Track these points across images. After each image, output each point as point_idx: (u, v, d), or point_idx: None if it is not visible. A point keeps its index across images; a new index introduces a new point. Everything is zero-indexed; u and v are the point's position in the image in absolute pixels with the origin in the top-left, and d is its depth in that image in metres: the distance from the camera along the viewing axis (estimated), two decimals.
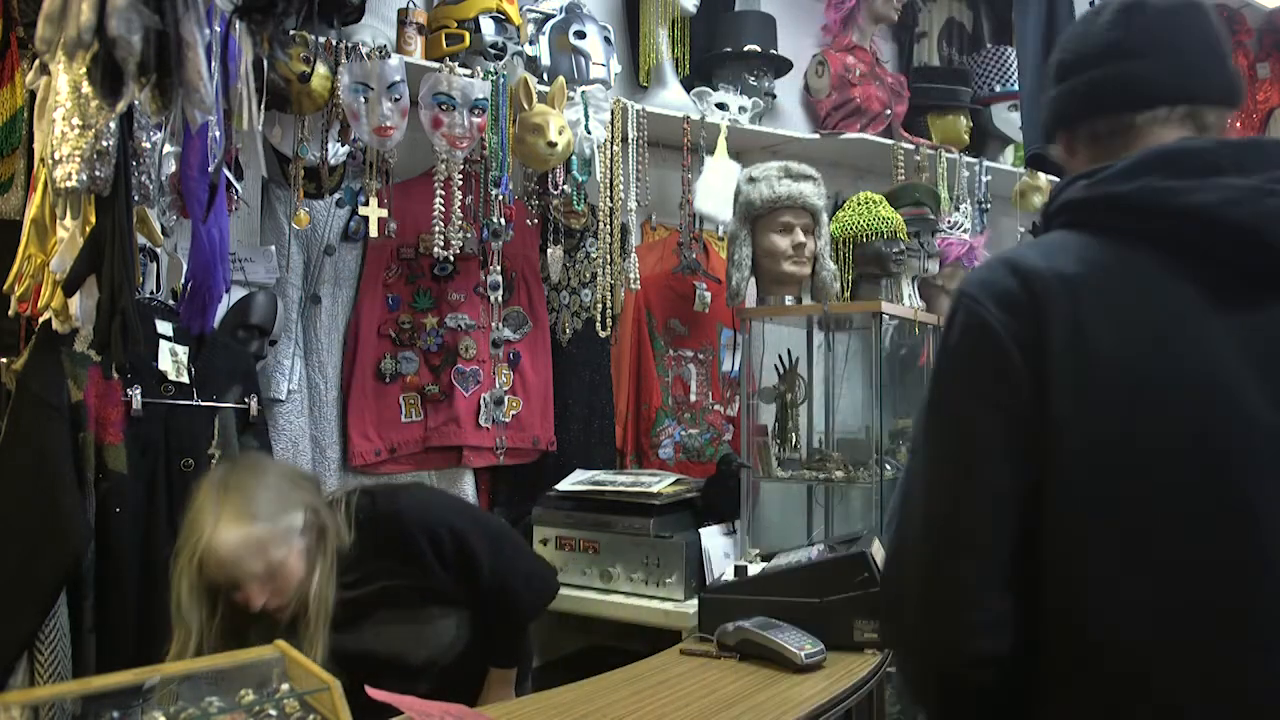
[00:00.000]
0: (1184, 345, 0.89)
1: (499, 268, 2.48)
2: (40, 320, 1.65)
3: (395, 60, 2.23)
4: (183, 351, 1.92)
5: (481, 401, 2.51)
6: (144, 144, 1.58)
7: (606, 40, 2.70)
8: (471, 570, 1.73)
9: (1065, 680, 0.89)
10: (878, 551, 1.95)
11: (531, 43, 2.59)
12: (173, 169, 1.72)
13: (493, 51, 2.41)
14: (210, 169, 1.68)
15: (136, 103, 1.38)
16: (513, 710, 1.58)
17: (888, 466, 2.46)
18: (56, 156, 1.36)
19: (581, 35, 2.63)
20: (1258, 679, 0.85)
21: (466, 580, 1.73)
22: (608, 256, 2.65)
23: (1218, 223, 0.90)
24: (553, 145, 2.38)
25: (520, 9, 2.56)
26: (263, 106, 1.95)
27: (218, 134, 1.66)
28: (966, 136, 3.55)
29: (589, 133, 2.52)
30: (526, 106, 2.40)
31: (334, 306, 2.41)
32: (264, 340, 2.22)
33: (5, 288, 1.68)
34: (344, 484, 2.25)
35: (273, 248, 2.30)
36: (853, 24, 3.40)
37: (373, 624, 1.68)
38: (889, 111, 3.36)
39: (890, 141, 3.30)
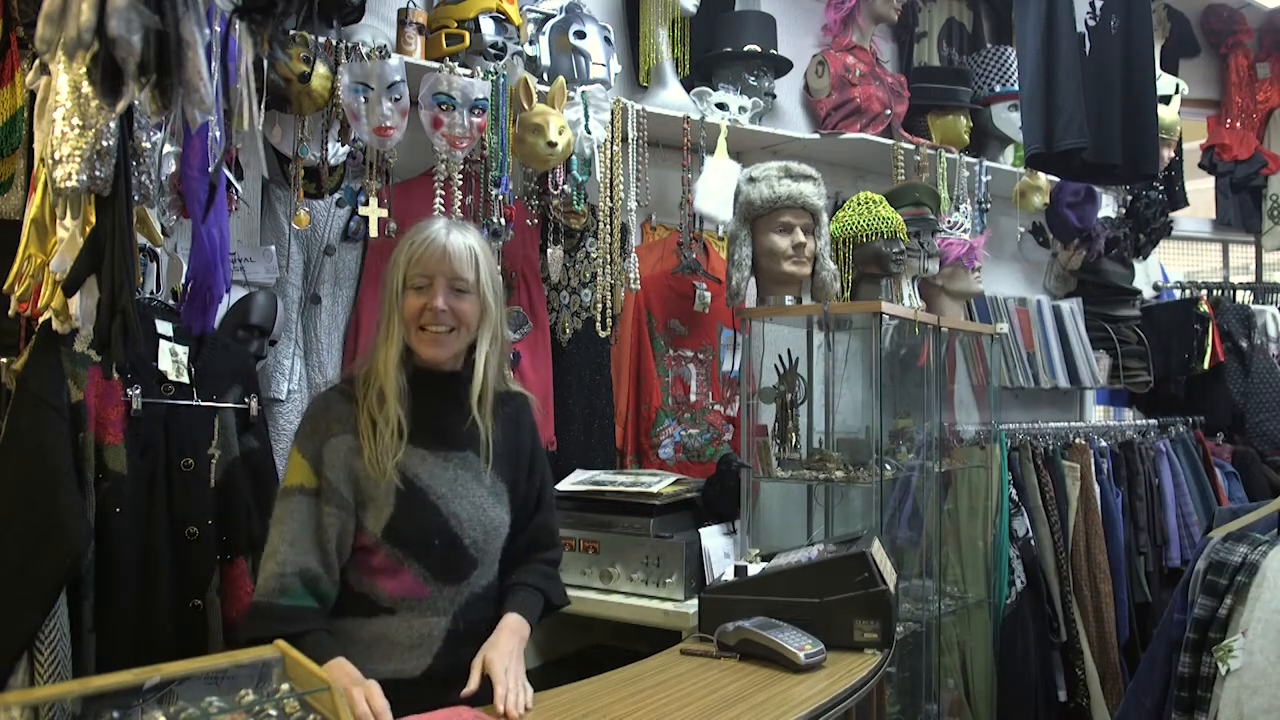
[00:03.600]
0: None
1: (499, 268, 2.47)
2: (40, 320, 1.65)
3: (395, 60, 2.23)
4: (183, 351, 1.92)
5: None
6: (144, 144, 1.58)
7: (606, 40, 2.70)
8: (541, 487, 1.78)
9: None
10: (878, 551, 1.95)
11: (531, 43, 2.59)
12: (173, 169, 1.72)
13: (493, 51, 2.41)
14: (210, 169, 1.68)
15: (136, 103, 1.38)
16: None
17: (888, 466, 2.46)
18: (56, 156, 1.36)
19: (581, 35, 2.63)
20: None
21: (533, 492, 1.76)
22: (608, 256, 2.65)
23: None
24: (553, 145, 2.38)
25: (520, 9, 2.56)
26: (263, 106, 1.96)
27: (218, 134, 1.66)
28: (966, 136, 3.56)
29: (589, 133, 2.53)
30: (526, 106, 2.41)
31: (334, 306, 2.41)
32: (264, 340, 2.21)
33: (5, 288, 1.68)
34: None
35: (273, 248, 2.30)
36: (853, 24, 3.40)
37: (463, 475, 1.64)
38: (889, 111, 3.36)
39: (890, 141, 3.31)
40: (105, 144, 1.38)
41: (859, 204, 2.88)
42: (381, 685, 1.43)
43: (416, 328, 1.58)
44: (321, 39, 2.14)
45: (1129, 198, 4.22)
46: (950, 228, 3.29)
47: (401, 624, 1.57)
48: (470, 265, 1.60)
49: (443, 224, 1.62)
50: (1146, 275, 4.43)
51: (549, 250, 2.64)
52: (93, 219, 1.42)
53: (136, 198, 1.54)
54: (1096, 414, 4.27)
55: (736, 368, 2.92)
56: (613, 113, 2.62)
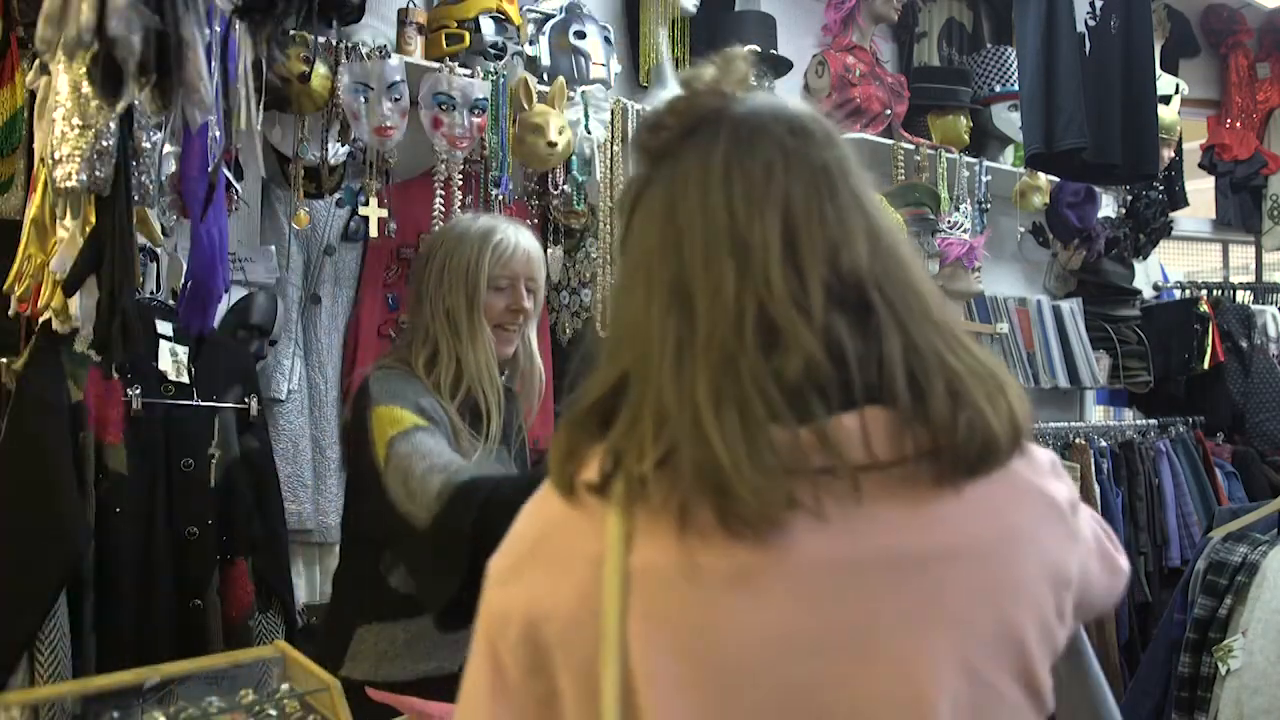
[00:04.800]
0: None
1: None
2: (40, 320, 1.65)
3: (395, 60, 2.23)
4: (183, 351, 1.92)
5: None
6: (144, 144, 1.58)
7: (606, 40, 2.70)
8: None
9: None
10: None
11: (531, 43, 2.59)
12: (173, 169, 1.72)
13: (493, 51, 2.41)
14: (210, 169, 1.68)
15: (136, 103, 1.38)
16: None
17: None
18: (56, 156, 1.36)
19: (581, 35, 2.63)
20: None
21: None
22: (608, 256, 2.65)
23: None
24: (553, 145, 2.38)
25: (520, 9, 2.56)
26: (262, 106, 1.95)
27: (217, 134, 1.66)
28: (966, 136, 3.55)
29: (589, 133, 2.52)
30: (526, 106, 2.40)
31: (334, 306, 2.41)
32: (264, 340, 2.21)
33: (5, 288, 1.67)
34: None
35: (273, 248, 2.30)
36: (853, 24, 3.40)
37: (499, 468, 1.65)
38: (889, 111, 3.36)
39: (890, 141, 3.30)
40: (105, 144, 1.38)
41: None
42: (421, 683, 1.44)
43: (494, 326, 1.64)
44: (321, 39, 2.13)
45: (1129, 198, 4.22)
46: (950, 228, 3.28)
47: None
48: (541, 266, 1.70)
49: (508, 224, 1.69)
50: (1146, 275, 4.42)
51: (549, 250, 2.64)
52: (93, 219, 1.42)
53: (136, 198, 1.54)
54: (1096, 414, 4.27)
55: None
56: (613, 113, 2.62)
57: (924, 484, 0.65)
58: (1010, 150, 3.82)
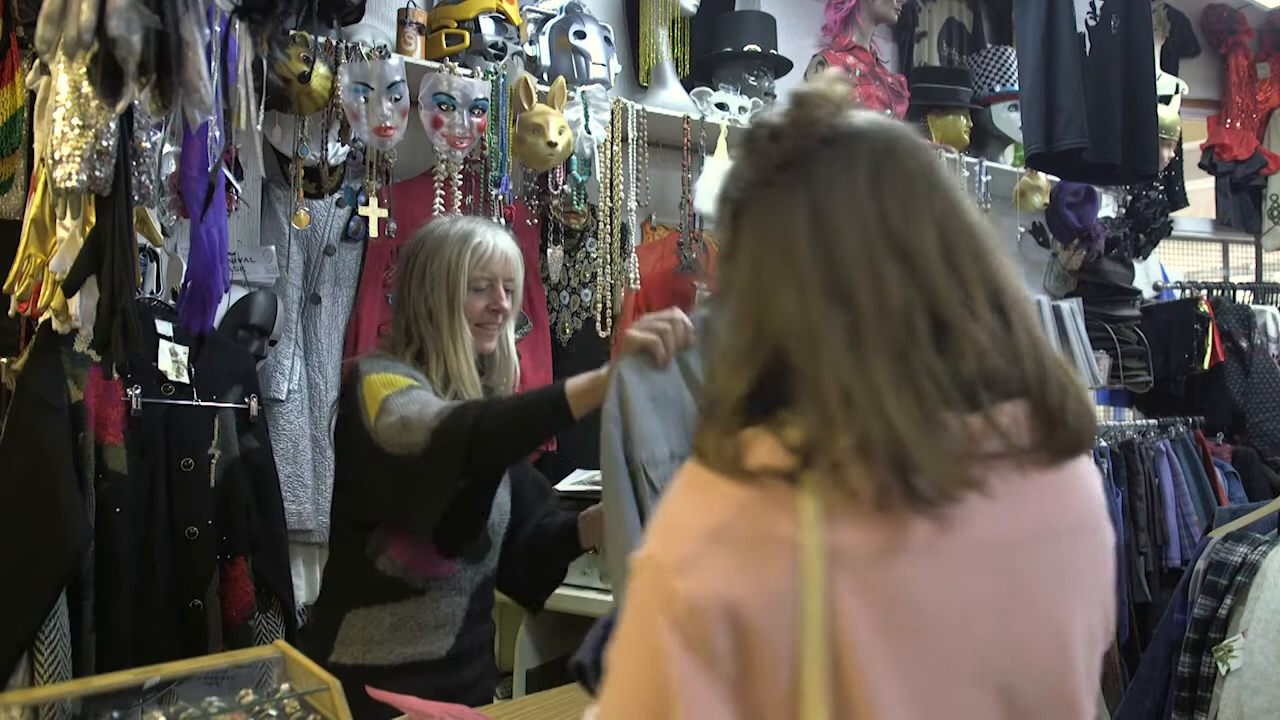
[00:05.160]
0: None
1: None
2: (40, 320, 1.65)
3: (395, 60, 2.23)
4: (183, 351, 1.92)
5: None
6: (144, 144, 1.58)
7: (606, 40, 2.70)
8: (527, 470, 1.86)
9: None
10: None
11: (531, 43, 2.59)
12: (173, 169, 1.72)
13: (493, 51, 2.41)
14: (209, 168, 1.68)
15: (136, 103, 1.38)
16: (512, 710, 1.58)
17: None
18: (56, 156, 1.36)
19: (581, 35, 2.63)
20: None
21: (524, 477, 1.83)
22: (608, 256, 2.65)
23: None
24: (553, 145, 2.38)
25: (520, 9, 2.56)
26: (263, 106, 1.96)
27: (217, 134, 1.66)
28: (966, 136, 3.56)
29: (589, 133, 2.52)
30: (526, 106, 2.40)
31: (334, 306, 2.41)
32: (264, 340, 2.21)
33: (5, 288, 1.67)
34: None
35: (273, 248, 2.30)
36: (852, 24, 3.40)
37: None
38: (889, 111, 3.36)
39: None
40: (105, 144, 1.38)
41: None
42: (408, 667, 1.50)
43: (475, 325, 1.68)
44: (321, 39, 2.13)
45: (1129, 198, 4.22)
46: None
47: (430, 604, 1.60)
48: (519, 266, 1.73)
49: (486, 227, 1.73)
50: (1146, 275, 4.43)
51: (549, 250, 2.64)
52: (93, 219, 1.42)
53: (136, 198, 1.54)
54: (1096, 414, 4.26)
55: None
56: (613, 113, 2.62)
57: (1045, 466, 0.76)
58: (1010, 150, 3.82)
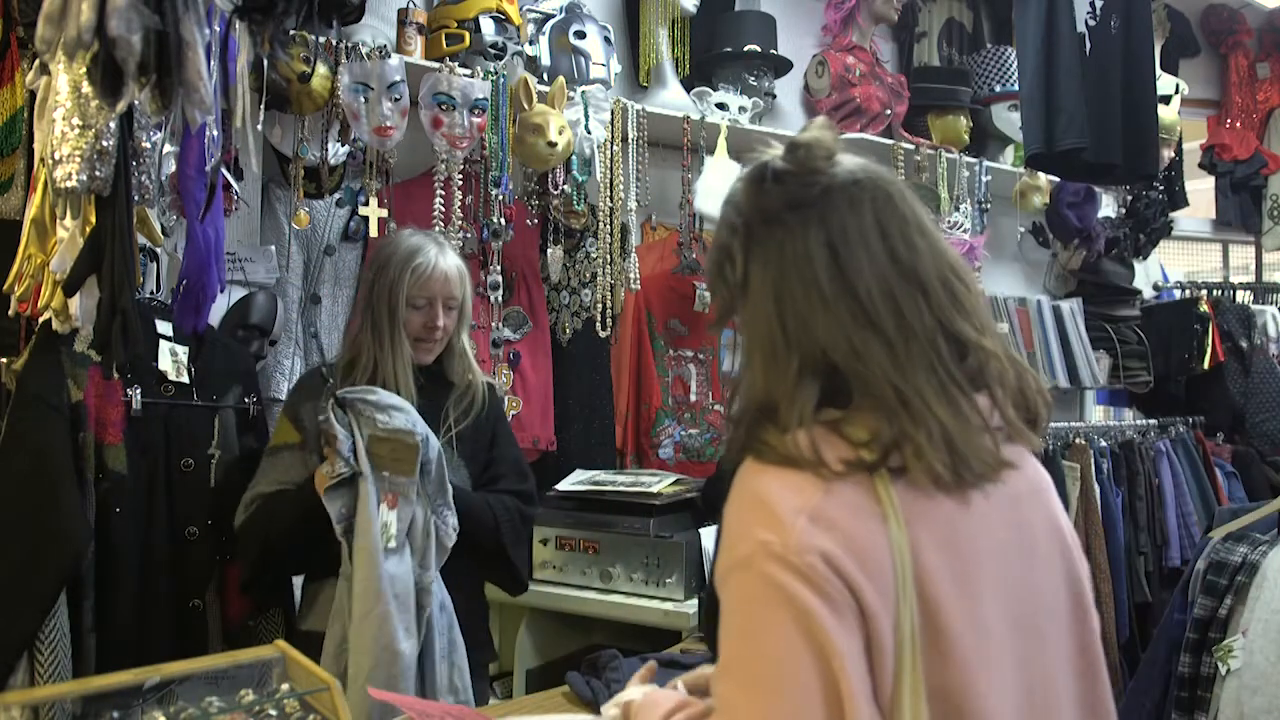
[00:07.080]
0: None
1: (499, 268, 2.48)
2: (40, 320, 1.65)
3: (395, 60, 2.23)
4: (183, 351, 1.91)
5: None
6: (144, 144, 1.58)
7: (606, 40, 2.70)
8: (504, 449, 1.98)
9: None
10: None
11: (531, 43, 2.59)
12: (173, 169, 1.72)
13: (493, 51, 2.41)
14: (208, 168, 1.68)
15: (136, 103, 1.38)
16: (512, 710, 1.58)
17: None
18: (56, 156, 1.36)
19: (581, 35, 2.63)
20: None
21: (500, 455, 1.95)
22: (608, 256, 2.65)
23: None
24: (553, 145, 2.38)
25: (520, 9, 2.56)
26: (263, 106, 1.96)
27: (216, 134, 1.66)
28: (966, 136, 3.55)
29: (589, 133, 2.52)
30: (526, 106, 2.40)
31: (334, 306, 2.41)
32: (264, 340, 2.21)
33: (5, 288, 1.67)
34: None
35: (273, 248, 2.30)
36: (853, 24, 3.40)
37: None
38: (889, 111, 3.36)
39: (890, 141, 3.30)
40: (105, 144, 1.38)
41: None
42: None
43: (414, 339, 1.80)
44: (321, 39, 2.13)
45: (1129, 198, 4.22)
46: (950, 228, 3.29)
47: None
48: (460, 285, 1.83)
49: (433, 246, 1.82)
50: (1146, 275, 4.43)
51: (549, 250, 2.64)
52: (93, 219, 1.42)
53: (136, 198, 1.54)
54: (1096, 414, 4.27)
55: (737, 368, 2.92)
56: (613, 113, 2.62)
57: (1016, 439, 0.95)
58: (1010, 150, 3.82)
